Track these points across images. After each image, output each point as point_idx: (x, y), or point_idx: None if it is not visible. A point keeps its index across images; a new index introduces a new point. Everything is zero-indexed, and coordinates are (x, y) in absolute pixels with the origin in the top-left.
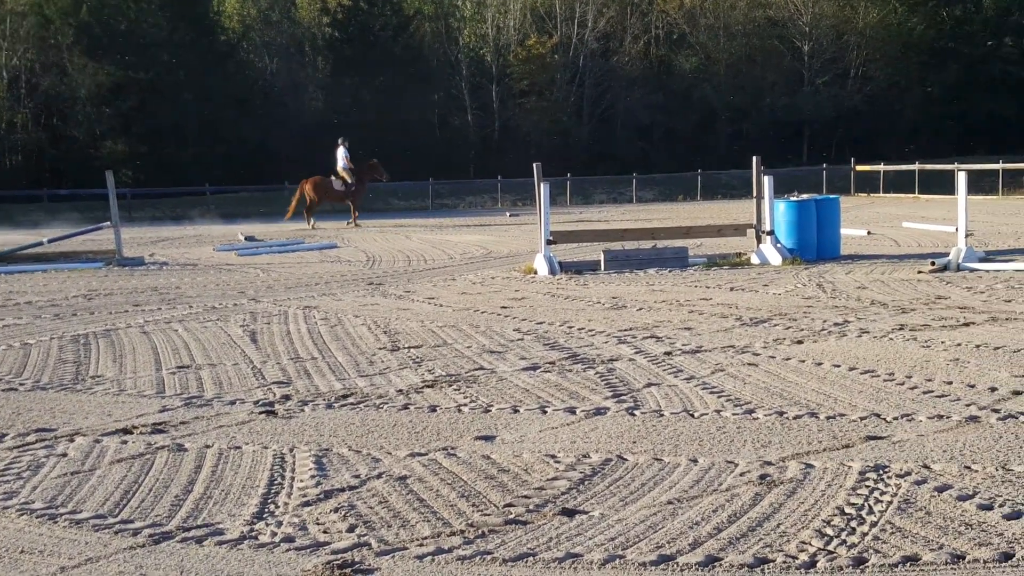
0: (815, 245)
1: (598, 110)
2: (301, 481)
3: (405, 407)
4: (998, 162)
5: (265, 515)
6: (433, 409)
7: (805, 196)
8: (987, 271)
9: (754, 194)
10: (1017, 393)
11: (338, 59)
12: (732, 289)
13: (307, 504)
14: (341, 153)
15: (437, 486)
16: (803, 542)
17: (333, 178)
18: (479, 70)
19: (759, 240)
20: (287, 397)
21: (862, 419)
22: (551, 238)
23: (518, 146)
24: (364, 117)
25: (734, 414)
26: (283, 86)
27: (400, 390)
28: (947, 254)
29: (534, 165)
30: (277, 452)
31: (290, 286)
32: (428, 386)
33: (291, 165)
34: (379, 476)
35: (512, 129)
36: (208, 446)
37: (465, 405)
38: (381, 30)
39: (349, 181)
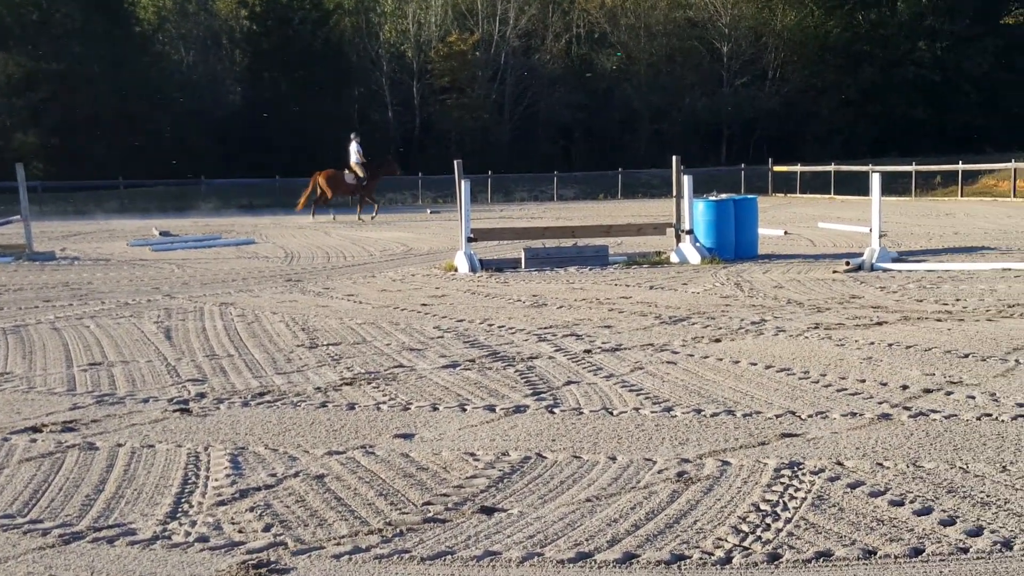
0: (733, 244)
1: (520, 108)
2: (216, 480)
3: (323, 405)
4: (911, 164)
5: (179, 515)
6: (352, 407)
7: (724, 196)
8: (900, 271)
9: (674, 193)
10: (928, 391)
11: (256, 53)
12: (652, 287)
13: (222, 503)
14: (354, 148)
15: (355, 485)
16: (719, 538)
17: (346, 171)
18: (400, 66)
19: (678, 239)
20: (202, 395)
21: (778, 417)
22: (472, 235)
23: (439, 143)
24: (283, 111)
25: (653, 412)
26: (200, 79)
27: (318, 388)
28: (861, 254)
29: (455, 162)
30: (191, 451)
31: (206, 282)
32: (347, 384)
33: (208, 159)
34: (296, 475)
35: (433, 126)
36: (120, 445)
37: (384, 403)
38: (300, 24)
39: (361, 175)
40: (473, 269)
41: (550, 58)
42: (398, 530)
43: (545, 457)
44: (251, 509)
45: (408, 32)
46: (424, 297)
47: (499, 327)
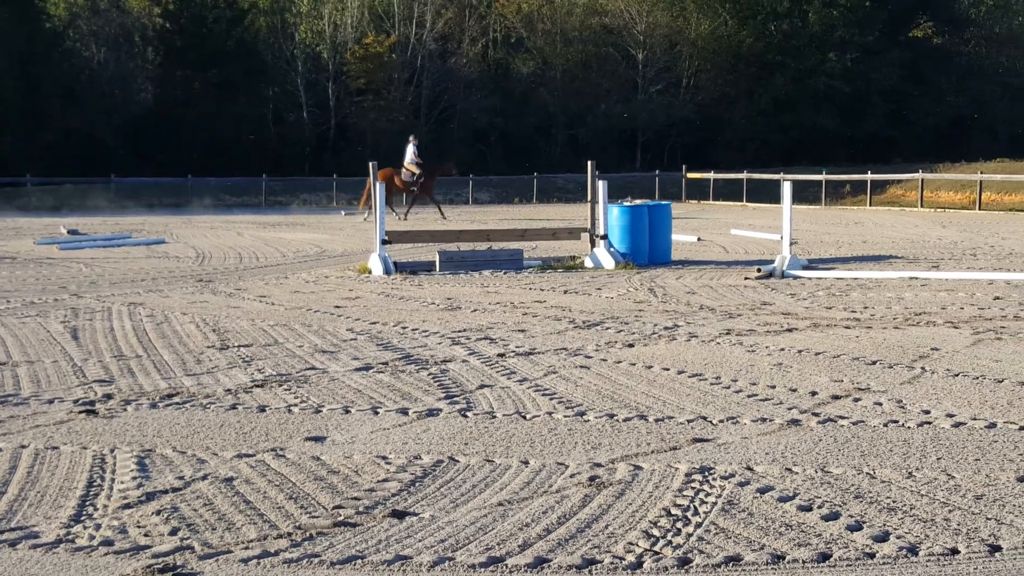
0: (647, 250)
1: (436, 111)
2: (122, 483)
3: (233, 407)
4: (821, 173)
5: (83, 518)
6: (262, 409)
7: (638, 202)
8: (810, 278)
9: (588, 198)
10: (836, 397)
11: (169, 51)
12: (566, 292)
13: (128, 506)
14: (410, 149)
15: (264, 488)
16: (630, 543)
17: (402, 170)
18: (315, 67)
19: (593, 244)
20: (109, 396)
21: (689, 422)
22: (386, 238)
23: (354, 145)
24: (196, 110)
25: (566, 416)
26: (111, 77)
27: (228, 390)
28: (772, 261)
29: (370, 164)
30: (97, 453)
31: (115, 282)
32: (257, 386)
33: (119, 157)
34: (204, 478)
35: (349, 127)
36: (24, 446)
37: (295, 405)
38: (215, 22)
39: (416, 173)
40: (387, 272)
41: (467, 62)
42: (308, 534)
43: (457, 461)
44: (157, 512)
45: (324, 33)
46: (337, 299)
47: (413, 330)
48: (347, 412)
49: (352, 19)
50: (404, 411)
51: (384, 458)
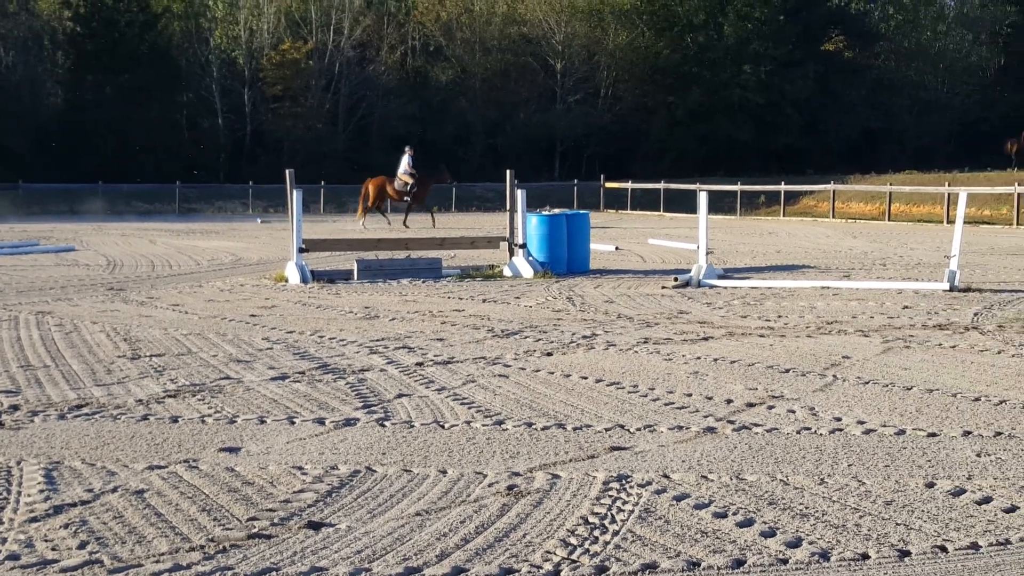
0: (566, 259)
1: (354, 118)
2: (29, 496)
3: (145, 418)
4: (737, 183)
5: None
6: (175, 420)
7: (557, 211)
8: (725, 288)
9: (507, 207)
10: (751, 405)
11: (80, 55)
12: (485, 301)
13: (35, 520)
14: (405, 160)
15: (177, 500)
16: (548, 552)
17: (396, 179)
18: (231, 73)
19: (512, 253)
20: (15, 407)
21: (607, 430)
22: (304, 246)
23: (271, 152)
24: (107, 115)
25: (484, 425)
26: (20, 80)
27: (140, 400)
28: (689, 270)
29: (287, 171)
30: (3, 465)
31: (22, 290)
32: (170, 396)
33: (27, 163)
34: (114, 490)
35: (265, 134)
36: None
37: (209, 416)
38: (127, 27)
39: (410, 184)
40: (304, 280)
41: (385, 69)
42: (221, 546)
43: (375, 471)
44: (66, 526)
45: (240, 39)
46: (253, 308)
47: (330, 339)
48: (262, 422)
49: (268, 25)
50: (321, 421)
51: (300, 468)
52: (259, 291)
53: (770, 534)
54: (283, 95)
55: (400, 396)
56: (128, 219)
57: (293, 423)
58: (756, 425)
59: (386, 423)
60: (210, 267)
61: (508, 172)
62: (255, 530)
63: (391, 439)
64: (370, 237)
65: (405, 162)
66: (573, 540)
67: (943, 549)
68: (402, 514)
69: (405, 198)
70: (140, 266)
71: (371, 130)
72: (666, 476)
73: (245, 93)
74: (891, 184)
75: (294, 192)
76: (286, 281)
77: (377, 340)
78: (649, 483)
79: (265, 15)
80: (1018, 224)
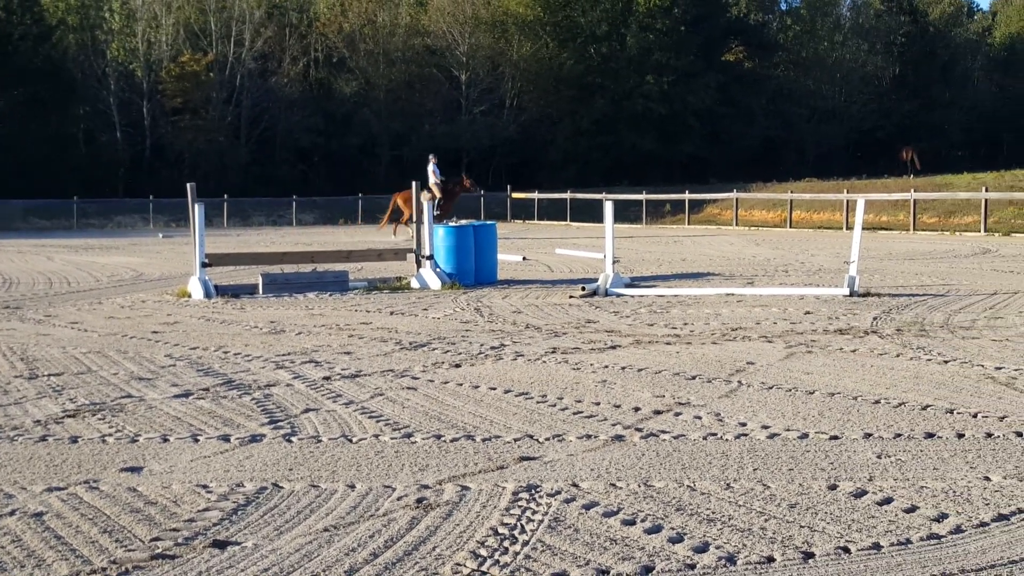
0: (473, 270)
1: (257, 130)
2: None
3: (43, 439)
4: (642, 193)
5: None
6: (75, 440)
7: (463, 222)
8: (632, 296)
9: (414, 219)
10: (658, 412)
11: None
12: (392, 313)
13: None
14: (431, 168)
15: (77, 522)
16: (458, 564)
17: (424, 191)
18: (129, 85)
19: (419, 265)
20: None
21: (516, 440)
22: (206, 260)
23: (172, 165)
24: (1, 130)
25: (392, 438)
26: None
27: (38, 420)
28: (596, 279)
29: (188, 185)
30: None
31: None
32: (69, 416)
33: None
34: (12, 513)
35: (165, 147)
36: None
37: (110, 435)
38: (21, 39)
39: (438, 195)
40: (208, 295)
41: (288, 81)
42: (123, 568)
43: (282, 487)
44: None
45: (138, 51)
46: (155, 324)
47: (235, 354)
48: (165, 441)
49: (167, 37)
50: (226, 438)
51: (205, 487)
52: (161, 307)
53: (678, 540)
54: (183, 108)
55: (307, 411)
56: (25, 235)
57: (197, 441)
58: (663, 432)
59: (293, 438)
60: (110, 283)
61: (414, 184)
62: (159, 551)
63: (298, 454)
64: (275, 251)
65: (431, 171)
66: (483, 551)
67: (846, 550)
68: (310, 530)
69: (435, 212)
70: (37, 283)
71: (275, 142)
72: (575, 485)
73: (144, 106)
74: (792, 192)
75: (195, 206)
76: (189, 296)
77: (283, 355)
78: (558, 492)
79: (163, 27)
80: (914, 230)
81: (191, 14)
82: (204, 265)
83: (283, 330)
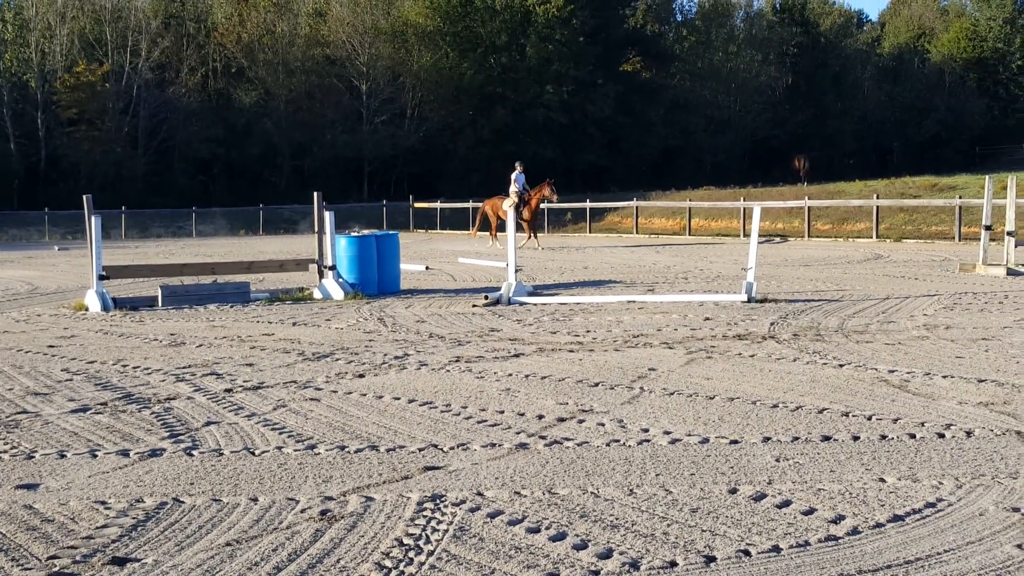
0: (376, 280)
1: (155, 141)
2: None
3: None
4: (544, 201)
5: None
6: None
7: (366, 232)
8: (535, 304)
9: (315, 229)
10: (562, 420)
11: None
12: (295, 324)
13: None
14: (513, 176)
15: None
16: None
17: (506, 199)
18: (23, 96)
19: (321, 275)
20: None
21: (420, 450)
22: (104, 273)
23: (68, 177)
24: None
25: (296, 450)
26: None
27: None
28: (499, 288)
29: (84, 197)
30: None
31: None
32: None
33: None
34: None
35: (61, 159)
36: None
37: (5, 452)
38: None
39: (517, 203)
40: (106, 308)
41: (186, 91)
42: None
43: (183, 502)
44: None
45: (31, 61)
46: (51, 338)
47: (134, 368)
48: (63, 456)
49: (61, 47)
50: (125, 453)
51: (103, 503)
52: (58, 321)
53: (582, 547)
54: (79, 118)
55: (208, 424)
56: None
57: (95, 456)
58: (567, 439)
59: (194, 452)
60: (4, 297)
61: (316, 194)
62: (56, 569)
63: (199, 468)
64: (175, 262)
65: (513, 179)
66: (388, 563)
67: (747, 553)
68: (212, 545)
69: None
70: None
71: (173, 153)
72: (480, 494)
73: (38, 117)
74: (690, 200)
75: (92, 218)
76: (86, 310)
77: (184, 367)
78: (463, 501)
79: (58, 37)
80: (809, 236)
81: (86, 24)
82: (102, 278)
83: (183, 342)
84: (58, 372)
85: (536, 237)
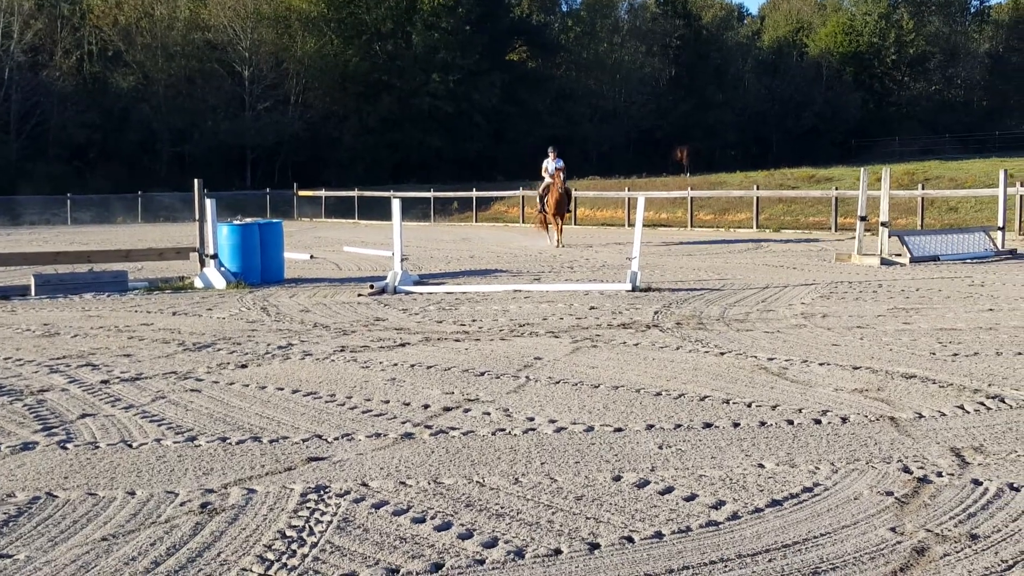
0: (259, 269)
1: (28, 126)
2: None
3: None
4: (430, 190)
5: None
6: None
7: (249, 220)
8: (421, 293)
9: (197, 217)
10: (448, 409)
11: None
12: (175, 313)
13: None
14: (551, 162)
15: None
16: (244, 569)
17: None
18: None
19: (202, 264)
20: None
21: (304, 441)
22: None
23: None
24: None
25: (175, 442)
26: None
27: None
28: (385, 277)
29: None
30: None
31: None
32: None
33: None
34: None
35: None
36: None
37: None
38: None
39: (542, 194)
40: None
41: (60, 75)
42: None
43: (56, 496)
44: None
45: None
46: None
47: (4, 359)
48: None
49: None
50: None
51: None
52: None
53: (467, 536)
54: None
55: (84, 416)
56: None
57: None
58: (453, 429)
59: (68, 445)
60: None
61: (197, 181)
62: None
63: (74, 462)
64: (48, 250)
65: (544, 166)
66: (270, 555)
67: (630, 540)
68: (87, 540)
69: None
70: None
71: (47, 138)
72: (364, 484)
73: None
74: (576, 190)
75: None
76: None
77: (58, 358)
78: (347, 492)
79: None
80: (692, 226)
81: None
82: None
83: (58, 333)
84: None
85: (560, 231)
